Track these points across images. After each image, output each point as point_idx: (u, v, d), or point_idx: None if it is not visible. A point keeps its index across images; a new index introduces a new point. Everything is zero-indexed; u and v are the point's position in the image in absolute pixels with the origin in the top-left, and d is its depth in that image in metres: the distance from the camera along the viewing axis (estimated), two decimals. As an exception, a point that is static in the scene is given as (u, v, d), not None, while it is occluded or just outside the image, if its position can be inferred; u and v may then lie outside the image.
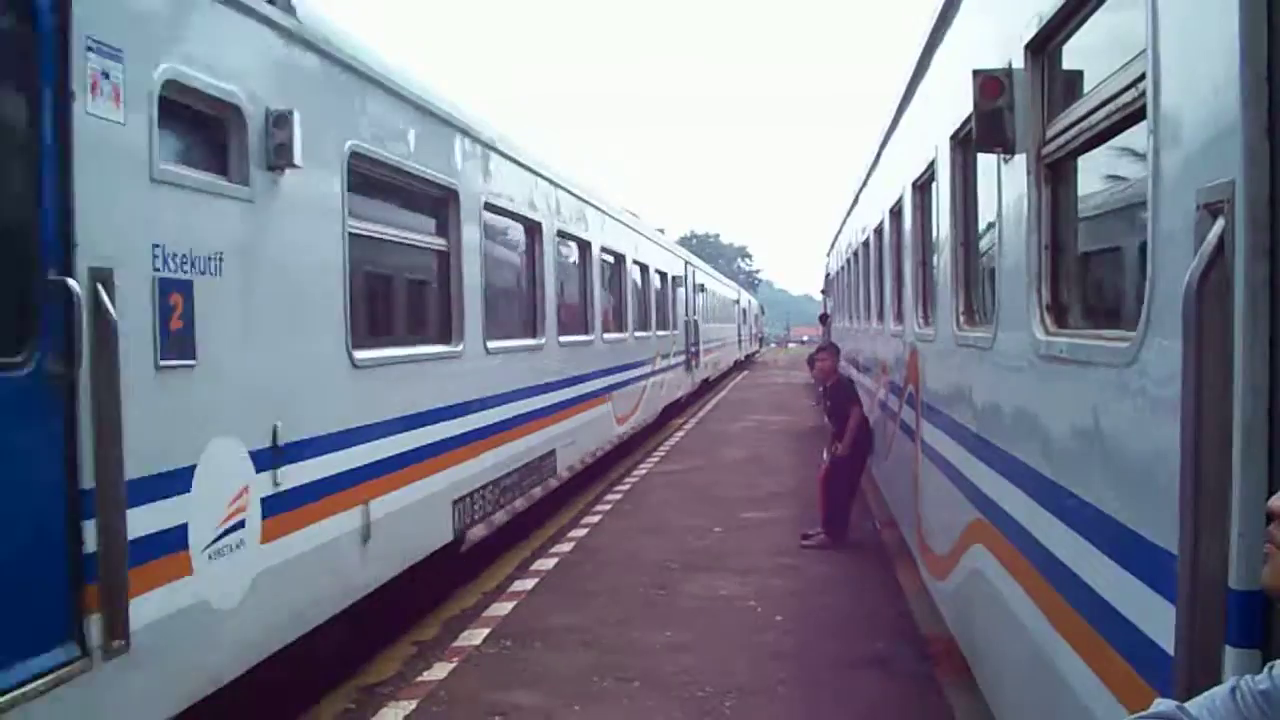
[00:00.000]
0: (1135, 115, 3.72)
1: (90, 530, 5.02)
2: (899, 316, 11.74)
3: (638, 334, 22.29)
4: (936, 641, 8.96)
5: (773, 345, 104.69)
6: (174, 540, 5.77)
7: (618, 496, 17.12)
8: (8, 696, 4.49)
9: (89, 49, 5.06)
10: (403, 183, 9.41)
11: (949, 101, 7.46)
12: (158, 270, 5.58)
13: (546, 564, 12.40)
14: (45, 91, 4.89)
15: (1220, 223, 2.82)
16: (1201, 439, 2.76)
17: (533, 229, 13.87)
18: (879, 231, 13.96)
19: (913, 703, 7.96)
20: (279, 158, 6.76)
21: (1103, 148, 4.44)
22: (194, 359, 5.89)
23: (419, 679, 8.60)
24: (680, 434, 26.39)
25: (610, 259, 19.59)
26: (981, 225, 7.18)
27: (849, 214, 21.20)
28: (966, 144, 7.00)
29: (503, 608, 10.56)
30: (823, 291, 37.60)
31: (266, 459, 6.73)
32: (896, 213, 11.69)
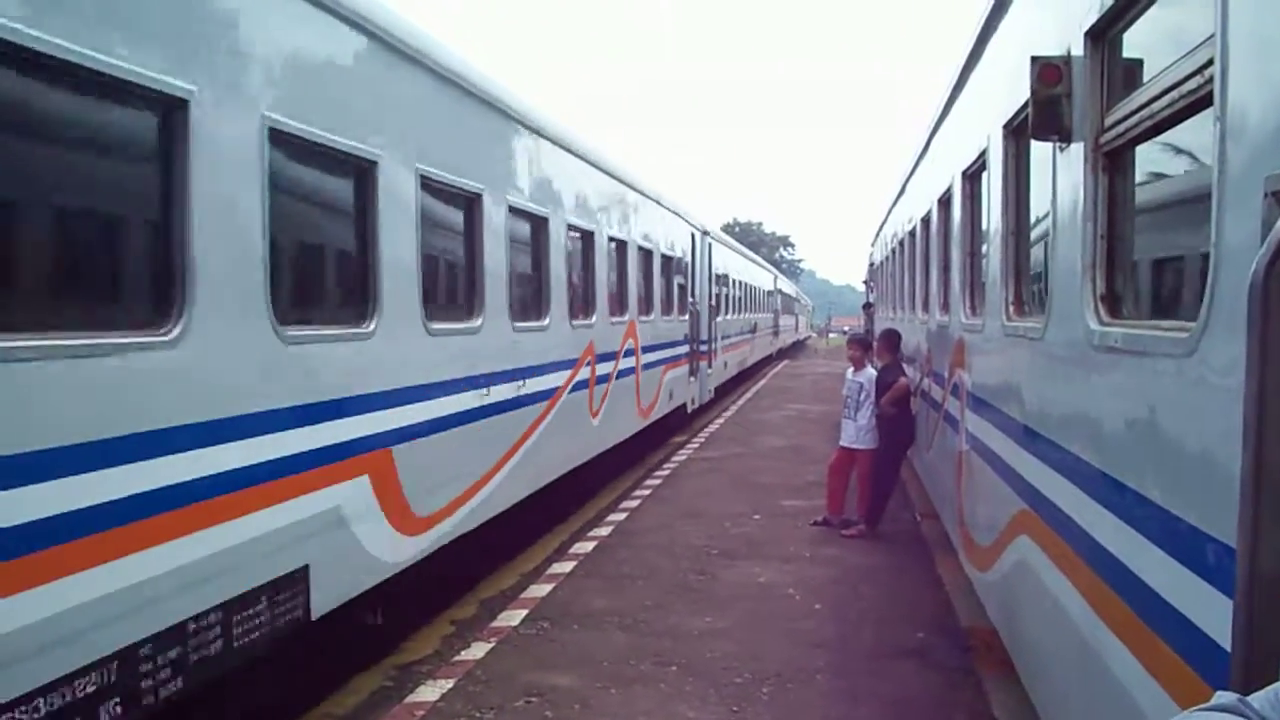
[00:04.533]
0: (1200, 102, 3.66)
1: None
2: (945, 306, 11.65)
3: (784, 317, 65.15)
4: (976, 633, 8.91)
5: (813, 335, 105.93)
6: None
7: (657, 482, 17.12)
8: None
9: None
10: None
11: (1003, 89, 7.39)
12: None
13: (585, 547, 12.42)
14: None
15: (1290, 211, 2.76)
16: (1265, 430, 2.70)
17: (774, 295, 56.26)
18: (926, 221, 13.86)
19: (951, 694, 7.92)
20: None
21: (1163, 136, 4.38)
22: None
23: (456, 658, 8.63)
24: (720, 421, 26.37)
25: (781, 295, 61.93)
26: (1034, 215, 7.11)
27: (895, 203, 21.08)
28: (1020, 132, 6.94)
29: (541, 589, 10.58)
30: (865, 282, 37.40)
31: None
32: (945, 202, 11.59)
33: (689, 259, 24.26)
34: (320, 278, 8.13)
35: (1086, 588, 4.89)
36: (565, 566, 11.51)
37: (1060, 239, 5.69)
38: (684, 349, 23.39)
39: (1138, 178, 4.87)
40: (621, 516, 14.21)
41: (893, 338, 14.51)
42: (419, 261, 8.78)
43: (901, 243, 18.76)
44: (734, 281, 35.21)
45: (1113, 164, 4.93)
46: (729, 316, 33.30)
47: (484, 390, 10.35)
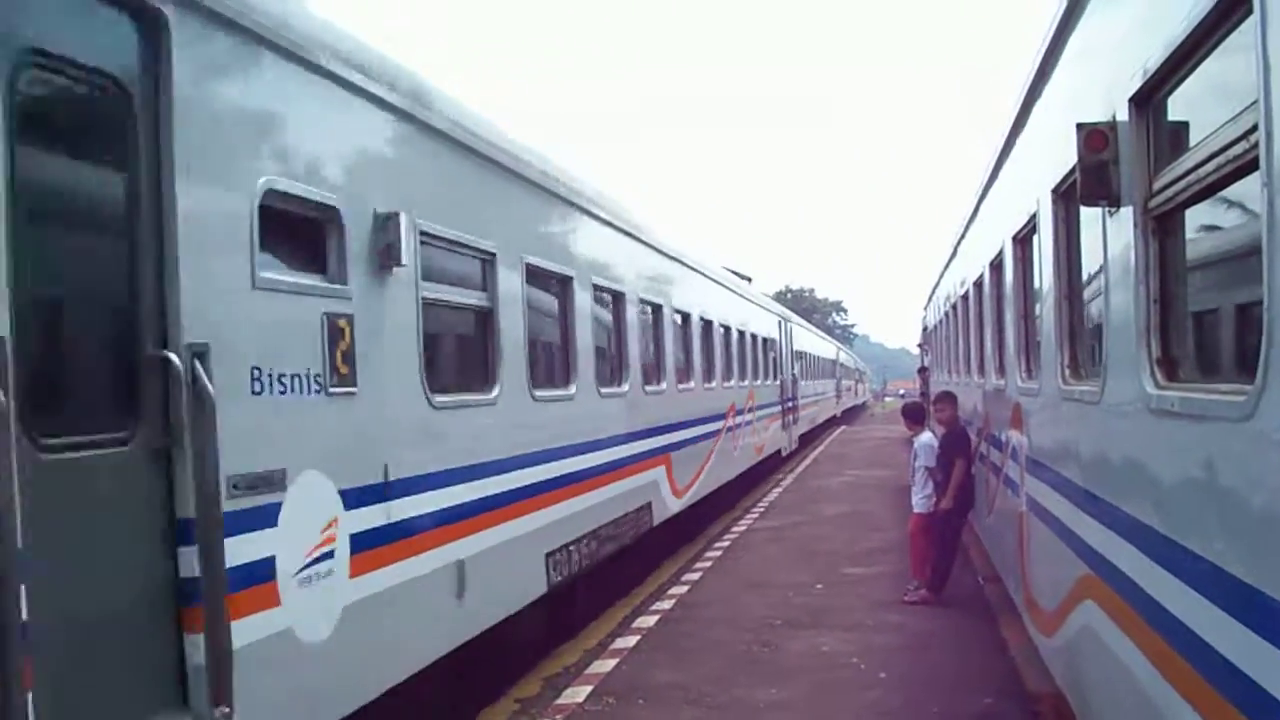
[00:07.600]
0: (1247, 166, 3.69)
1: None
2: (1000, 370, 11.62)
3: (859, 383, 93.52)
4: (1044, 698, 8.80)
5: (870, 399, 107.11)
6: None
7: (718, 553, 17.09)
8: None
9: None
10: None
11: (1050, 154, 7.43)
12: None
13: (648, 621, 12.40)
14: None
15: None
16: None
17: (857, 370, 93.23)
18: (978, 284, 13.86)
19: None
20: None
21: (1212, 199, 4.40)
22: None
23: (523, 735, 8.64)
24: (779, 490, 26.29)
25: (858, 371, 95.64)
26: (1085, 278, 7.12)
27: (947, 267, 21.07)
28: (1069, 197, 6.97)
29: (605, 665, 10.58)
30: (920, 345, 37.33)
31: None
32: (997, 266, 11.61)
33: (836, 359, 60.68)
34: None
35: (1153, 652, 4.86)
36: (629, 641, 11.51)
37: (1114, 302, 5.70)
38: (835, 393, 60.54)
39: (1189, 240, 4.88)
40: (684, 589, 14.19)
41: (951, 399, 14.44)
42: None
43: (954, 306, 18.72)
44: (849, 367, 74.62)
45: (1163, 227, 4.95)
46: (846, 382, 70.67)
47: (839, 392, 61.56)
